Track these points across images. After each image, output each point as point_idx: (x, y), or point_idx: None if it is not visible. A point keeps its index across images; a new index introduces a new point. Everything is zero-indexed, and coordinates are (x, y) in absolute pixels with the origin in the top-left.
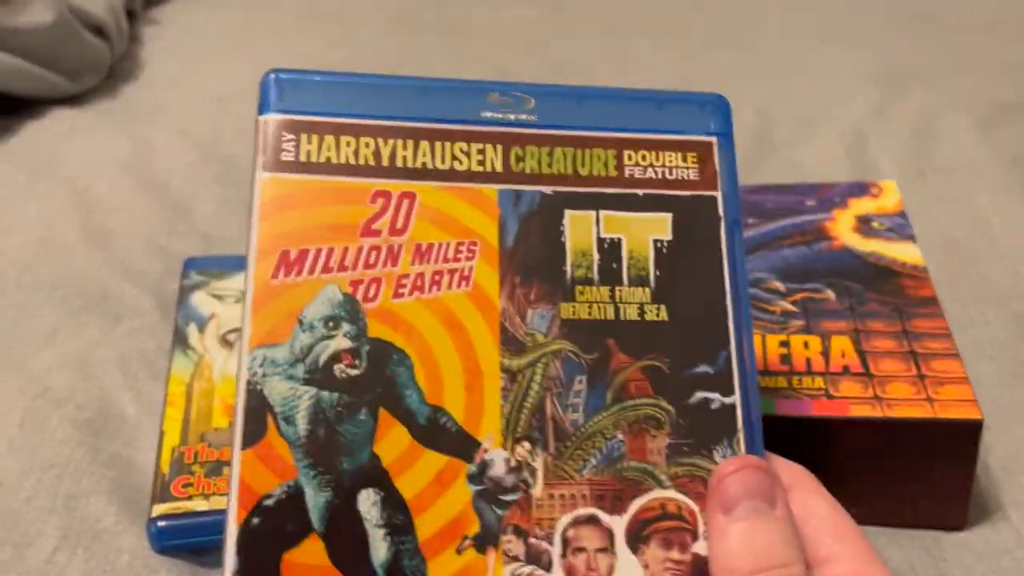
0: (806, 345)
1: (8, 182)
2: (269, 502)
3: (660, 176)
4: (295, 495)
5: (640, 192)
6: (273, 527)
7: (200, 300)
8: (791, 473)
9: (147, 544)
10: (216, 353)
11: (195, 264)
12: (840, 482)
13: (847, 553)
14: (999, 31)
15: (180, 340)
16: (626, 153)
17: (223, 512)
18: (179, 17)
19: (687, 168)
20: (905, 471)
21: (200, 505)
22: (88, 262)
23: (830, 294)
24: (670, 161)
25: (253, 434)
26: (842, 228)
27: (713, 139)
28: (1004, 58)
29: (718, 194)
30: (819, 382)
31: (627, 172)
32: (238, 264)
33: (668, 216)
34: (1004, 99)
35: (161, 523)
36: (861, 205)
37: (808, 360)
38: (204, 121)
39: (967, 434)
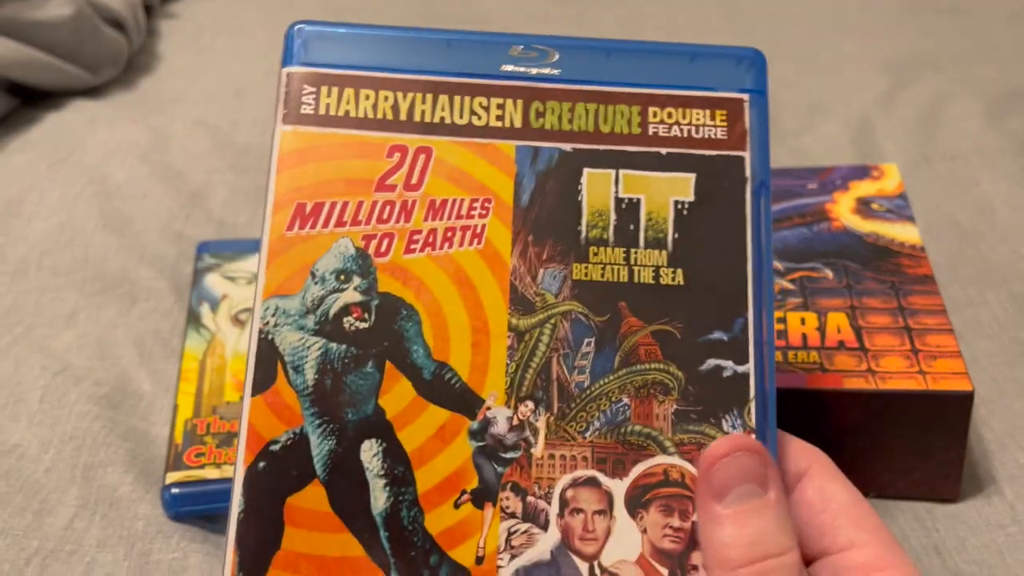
0: (802, 321)
1: (30, 171)
2: (275, 447)
3: (685, 134)
4: (300, 442)
5: (663, 151)
6: (277, 472)
7: (213, 281)
8: (807, 456)
9: (161, 511)
10: (228, 331)
11: (208, 248)
12: (834, 454)
13: (867, 540)
14: (1016, 20)
15: (194, 319)
16: (651, 110)
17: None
18: (196, 11)
19: (715, 127)
20: (898, 443)
21: (212, 473)
22: (106, 247)
23: (828, 273)
24: (697, 119)
25: (263, 381)
26: (842, 209)
27: (745, 96)
28: (1017, 46)
29: (746, 154)
30: (814, 356)
31: (651, 130)
32: (250, 247)
33: (691, 176)
34: (1014, 86)
35: (175, 490)
36: (862, 187)
37: (804, 335)
38: (220, 112)
39: (959, 406)
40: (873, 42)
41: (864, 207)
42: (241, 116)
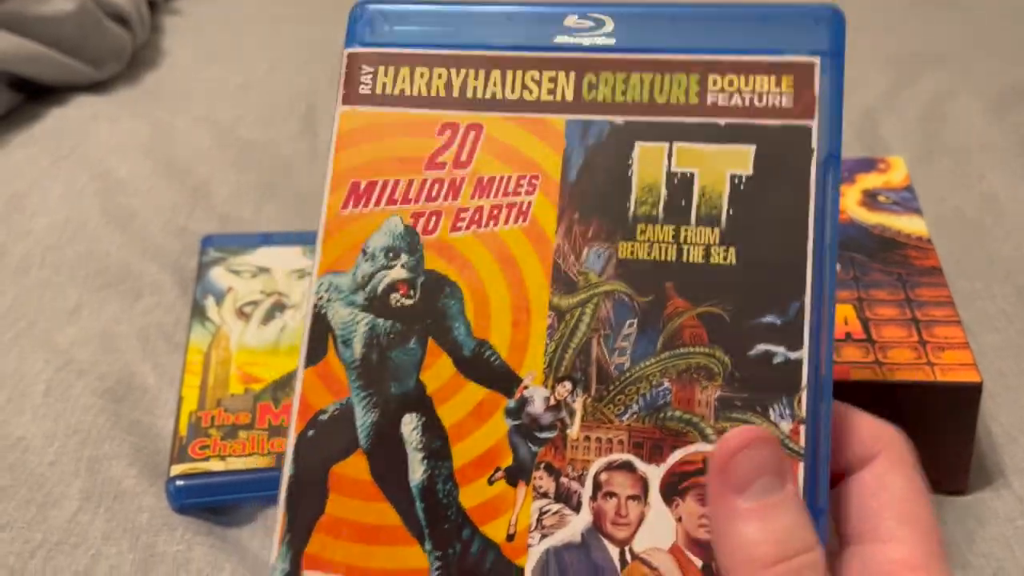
0: None
1: (33, 166)
2: (323, 416)
3: (747, 103)
4: (346, 412)
5: (722, 121)
6: (325, 440)
7: (218, 275)
8: (880, 438)
9: (166, 503)
10: (233, 324)
11: (212, 242)
12: None
13: (909, 538)
14: (1019, 15)
15: (198, 312)
16: (711, 78)
17: (238, 473)
18: (199, 7)
19: (780, 94)
20: (906, 435)
21: (216, 466)
22: (110, 242)
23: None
24: (761, 86)
25: (316, 353)
26: (848, 202)
27: (816, 59)
28: (1021, 41)
29: (813, 123)
30: None
31: (710, 99)
32: (254, 242)
33: (751, 148)
34: (1018, 81)
35: (179, 482)
36: (868, 180)
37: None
38: (224, 108)
39: (967, 397)
40: (876, 37)
41: (870, 199)
42: (245, 111)
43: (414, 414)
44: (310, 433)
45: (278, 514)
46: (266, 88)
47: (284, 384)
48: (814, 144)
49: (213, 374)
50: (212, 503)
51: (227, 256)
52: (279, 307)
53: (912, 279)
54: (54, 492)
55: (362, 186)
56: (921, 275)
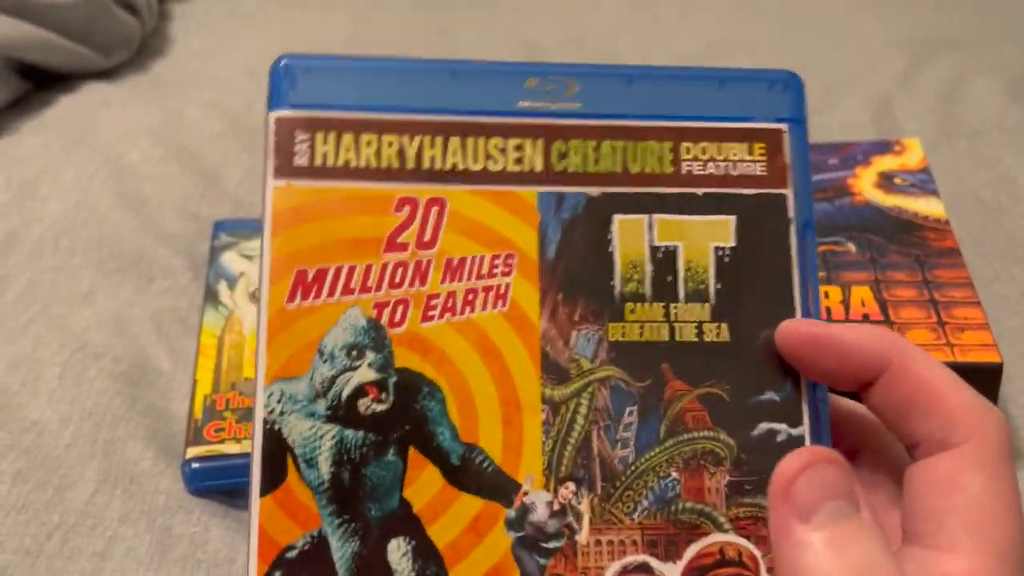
0: (826, 295)
1: (44, 152)
2: (291, 554)
3: (722, 172)
4: (319, 546)
5: (699, 191)
6: None
7: (230, 259)
8: (975, 425)
9: (182, 485)
10: (246, 308)
11: (224, 226)
12: None
13: (974, 551)
14: None
15: (211, 296)
16: (683, 145)
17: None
18: None
19: (753, 162)
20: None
21: (232, 448)
22: (122, 226)
23: (851, 247)
24: (734, 154)
25: (272, 479)
26: (864, 184)
27: (784, 126)
28: None
29: (788, 192)
30: None
31: (684, 168)
32: None
33: (731, 219)
34: None
35: (195, 464)
36: (884, 162)
37: (828, 309)
38: (233, 93)
39: (987, 378)
40: (890, 20)
41: (887, 181)
42: (255, 97)
43: (401, 538)
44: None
45: None
46: None
47: None
48: (791, 213)
49: (227, 357)
50: (228, 485)
51: (239, 240)
52: None
53: (930, 260)
54: (70, 474)
55: (310, 275)
56: (939, 256)
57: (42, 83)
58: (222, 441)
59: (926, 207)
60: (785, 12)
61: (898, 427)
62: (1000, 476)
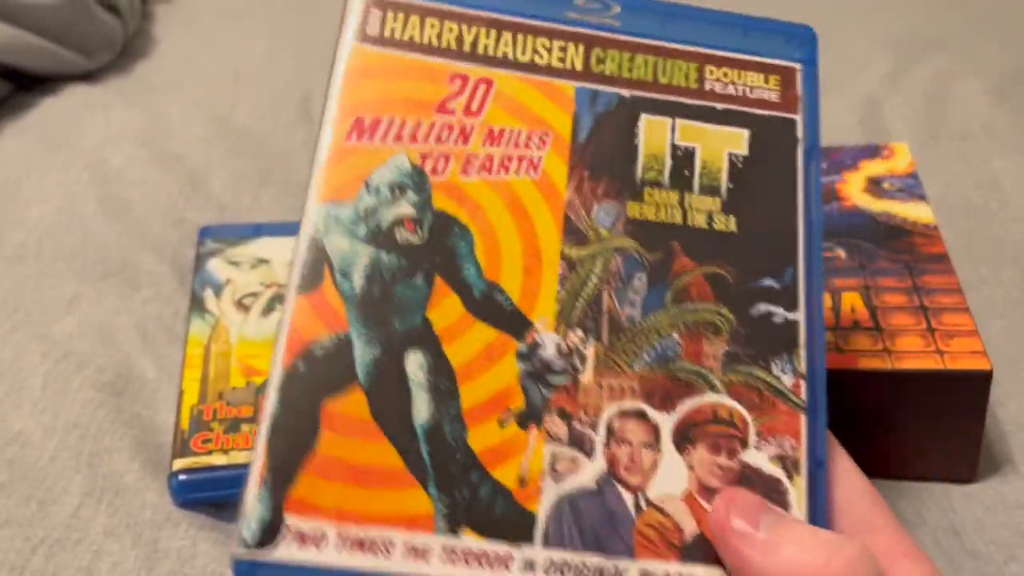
0: None
1: (26, 156)
2: (316, 348)
3: (740, 93)
4: (343, 346)
5: (719, 106)
6: (318, 374)
7: (216, 266)
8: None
9: (168, 499)
10: (232, 316)
11: (210, 232)
12: (850, 436)
13: (885, 527)
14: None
15: (197, 304)
16: (707, 68)
17: (242, 467)
18: None
19: (768, 90)
20: (915, 424)
21: (219, 460)
22: (106, 232)
23: (840, 252)
24: (752, 81)
25: (309, 281)
26: (852, 189)
27: (797, 65)
28: (1022, 25)
29: (798, 118)
30: (828, 337)
31: (707, 86)
32: (252, 232)
33: (745, 132)
34: (1020, 65)
35: (182, 477)
36: (872, 167)
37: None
38: (218, 95)
39: (977, 385)
40: (875, 21)
41: (875, 186)
42: (240, 99)
43: (420, 351)
44: (300, 366)
45: (256, 453)
46: (261, 76)
47: None
48: (799, 134)
49: (214, 367)
50: (215, 498)
51: (225, 247)
52: (279, 298)
53: (919, 266)
54: (55, 488)
55: (367, 121)
56: (928, 262)
57: (24, 85)
58: (209, 453)
59: (915, 212)
60: (771, 14)
61: None
62: (857, 468)
